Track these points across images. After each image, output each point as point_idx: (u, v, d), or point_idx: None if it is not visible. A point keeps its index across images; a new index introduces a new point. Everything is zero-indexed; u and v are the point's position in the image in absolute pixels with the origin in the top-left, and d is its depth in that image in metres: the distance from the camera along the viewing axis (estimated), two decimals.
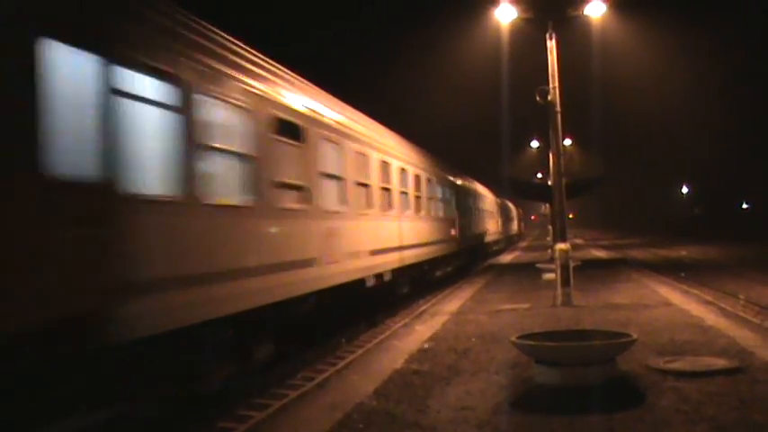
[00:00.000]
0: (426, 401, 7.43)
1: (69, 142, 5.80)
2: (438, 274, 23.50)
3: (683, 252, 41.09)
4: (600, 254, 40.67)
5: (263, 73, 9.88)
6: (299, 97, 11.02)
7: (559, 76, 17.07)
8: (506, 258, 39.48)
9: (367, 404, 7.47)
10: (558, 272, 15.34)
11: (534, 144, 51.44)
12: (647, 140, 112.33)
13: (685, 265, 30.97)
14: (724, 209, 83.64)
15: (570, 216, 79.23)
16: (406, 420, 6.77)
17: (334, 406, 7.45)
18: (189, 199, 7.42)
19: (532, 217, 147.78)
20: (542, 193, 31.84)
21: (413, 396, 7.71)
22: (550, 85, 16.83)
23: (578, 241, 58.86)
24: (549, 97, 16.63)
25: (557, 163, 17.46)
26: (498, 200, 47.77)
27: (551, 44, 17.25)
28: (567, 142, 45.37)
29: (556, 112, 16.78)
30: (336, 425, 6.76)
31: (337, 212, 12.11)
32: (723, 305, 14.29)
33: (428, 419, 6.76)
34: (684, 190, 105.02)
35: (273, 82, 10.15)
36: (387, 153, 16.19)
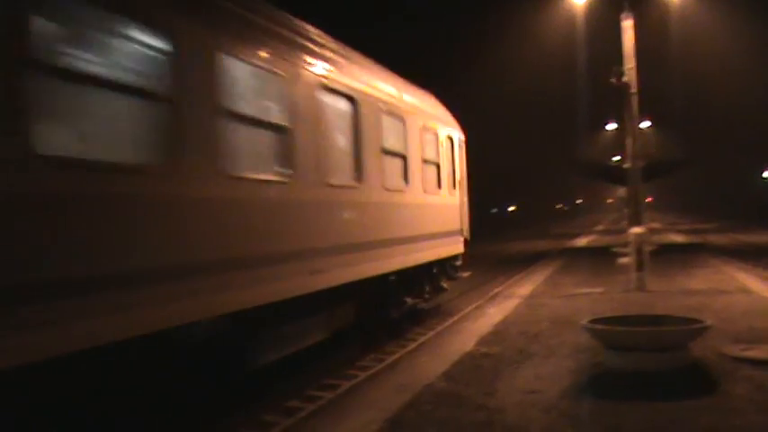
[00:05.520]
0: (495, 384, 7.48)
1: None
2: None
3: (764, 238, 39.64)
4: (678, 238, 39.65)
5: None
6: None
7: (636, 57, 16.71)
8: (581, 242, 38.93)
9: (435, 386, 7.55)
10: (633, 256, 15.13)
11: (611, 126, 50.32)
12: (729, 123, 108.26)
13: (766, 251, 29.89)
14: None
15: (648, 200, 77.41)
16: (473, 402, 6.82)
17: (403, 387, 7.56)
18: None
19: (609, 200, 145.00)
20: (617, 176, 31.20)
21: (481, 379, 7.77)
22: (626, 66, 16.51)
23: (655, 225, 57.34)
24: (625, 78, 16.32)
25: (632, 145, 17.13)
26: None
27: (626, 24, 16.89)
28: (646, 124, 44.23)
29: (631, 94, 16.46)
30: (404, 406, 6.85)
31: None
32: None
33: (495, 402, 6.81)
34: (766, 174, 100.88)
35: None
36: None
